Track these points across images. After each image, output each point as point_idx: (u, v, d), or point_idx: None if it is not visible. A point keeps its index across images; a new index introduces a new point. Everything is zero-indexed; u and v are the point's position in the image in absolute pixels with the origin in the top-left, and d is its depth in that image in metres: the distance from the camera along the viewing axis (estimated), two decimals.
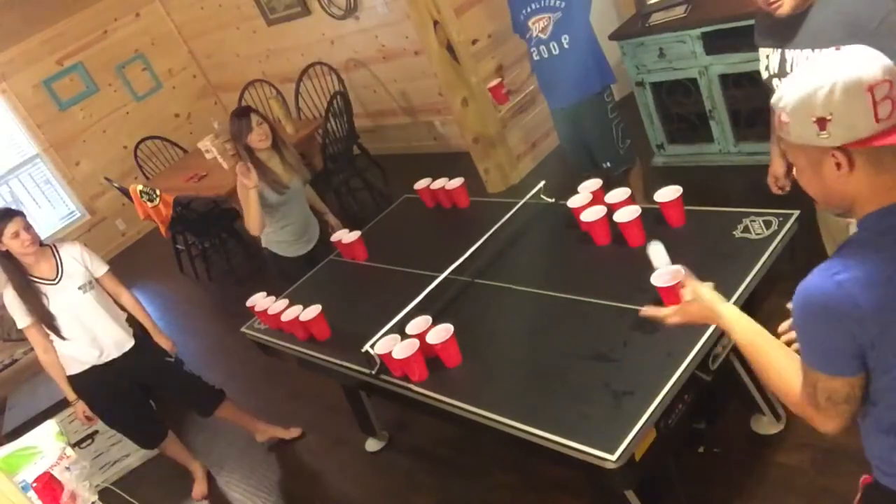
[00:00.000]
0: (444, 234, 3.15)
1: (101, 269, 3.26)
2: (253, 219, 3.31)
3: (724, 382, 2.28)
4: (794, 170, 1.34)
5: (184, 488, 3.69)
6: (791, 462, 2.41)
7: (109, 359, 3.22)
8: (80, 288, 3.14)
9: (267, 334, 3.02)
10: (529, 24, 3.40)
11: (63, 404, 3.73)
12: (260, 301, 3.06)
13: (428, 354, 2.28)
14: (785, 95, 1.26)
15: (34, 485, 2.65)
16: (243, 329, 3.17)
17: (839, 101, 1.19)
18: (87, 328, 3.15)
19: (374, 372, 2.41)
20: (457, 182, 3.19)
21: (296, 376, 3.93)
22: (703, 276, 2.09)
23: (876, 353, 1.23)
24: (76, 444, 3.79)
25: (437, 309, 2.53)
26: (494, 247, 2.75)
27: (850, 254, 1.24)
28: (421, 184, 3.33)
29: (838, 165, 1.22)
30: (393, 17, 5.18)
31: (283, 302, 2.96)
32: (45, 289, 3.07)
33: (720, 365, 2.01)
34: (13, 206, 3.96)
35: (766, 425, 2.57)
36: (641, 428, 1.77)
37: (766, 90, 2.11)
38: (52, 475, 2.70)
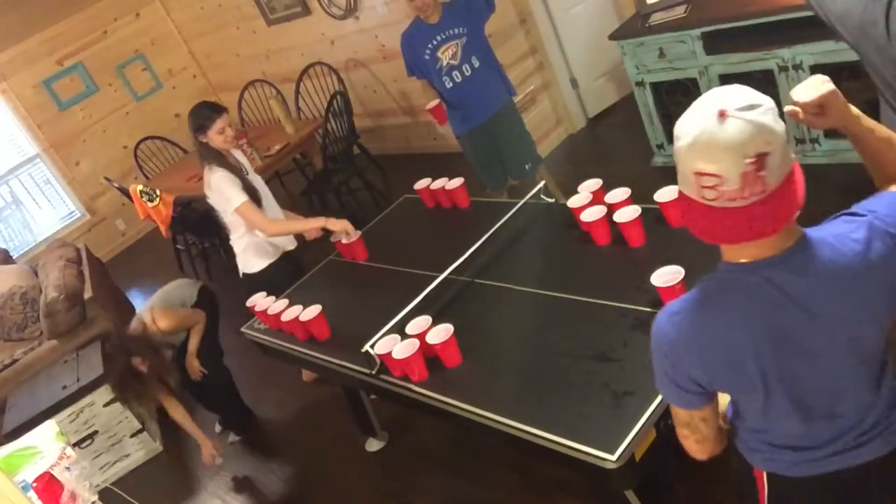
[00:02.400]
0: (444, 234, 3.14)
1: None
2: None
3: None
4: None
5: (184, 488, 3.70)
6: None
7: (293, 247, 3.53)
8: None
9: (267, 334, 3.02)
10: (438, 55, 3.67)
11: (63, 404, 3.73)
12: (260, 301, 3.07)
13: (428, 354, 2.28)
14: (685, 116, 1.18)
15: (34, 485, 2.66)
16: (243, 329, 3.18)
17: (680, 157, 1.17)
18: (275, 211, 3.47)
19: (374, 372, 2.41)
20: (457, 182, 3.19)
21: (296, 376, 3.94)
22: (703, 276, 2.11)
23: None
24: (76, 444, 3.78)
25: (437, 309, 2.53)
26: (494, 247, 2.75)
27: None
28: (421, 184, 3.33)
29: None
30: (393, 17, 5.18)
31: (283, 302, 2.97)
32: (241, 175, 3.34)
33: None
34: (13, 206, 3.95)
35: None
36: (641, 428, 1.77)
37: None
38: (52, 475, 2.70)
